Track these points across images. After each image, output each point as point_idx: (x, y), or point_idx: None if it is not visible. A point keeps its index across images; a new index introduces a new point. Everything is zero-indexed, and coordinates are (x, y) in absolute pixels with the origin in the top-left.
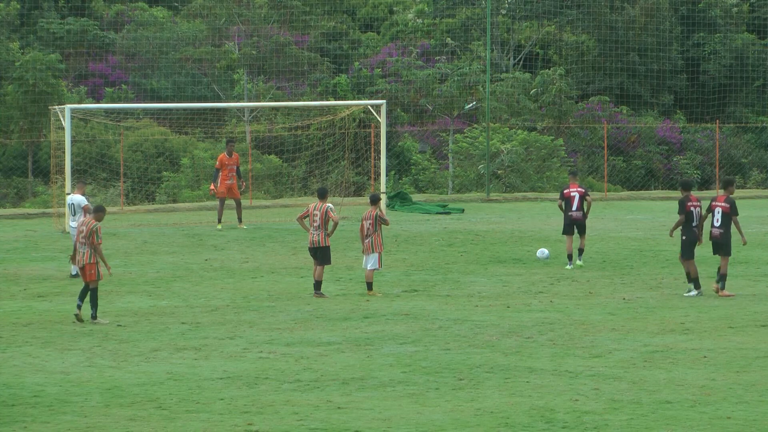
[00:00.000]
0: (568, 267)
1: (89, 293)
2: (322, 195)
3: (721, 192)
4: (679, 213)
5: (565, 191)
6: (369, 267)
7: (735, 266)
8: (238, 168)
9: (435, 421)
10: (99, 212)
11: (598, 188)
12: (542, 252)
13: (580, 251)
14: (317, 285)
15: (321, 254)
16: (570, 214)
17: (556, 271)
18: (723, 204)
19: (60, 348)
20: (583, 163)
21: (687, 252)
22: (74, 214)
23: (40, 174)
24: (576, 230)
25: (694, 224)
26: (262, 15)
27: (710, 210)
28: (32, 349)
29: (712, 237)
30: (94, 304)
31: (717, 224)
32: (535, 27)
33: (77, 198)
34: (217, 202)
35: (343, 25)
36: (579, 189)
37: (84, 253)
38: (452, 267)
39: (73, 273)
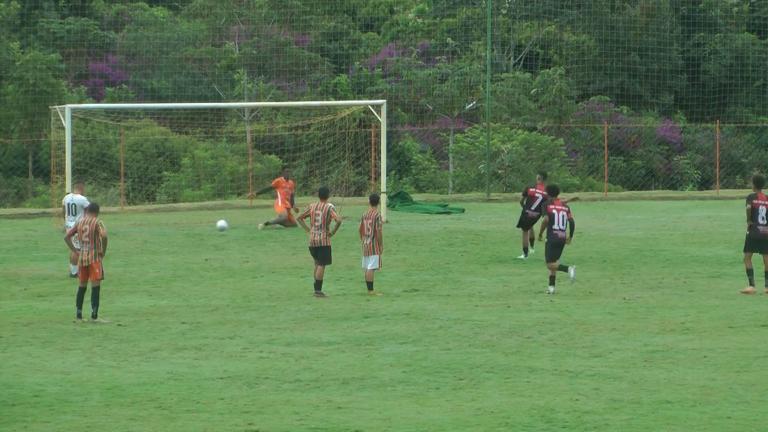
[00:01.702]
0: (522, 257)
1: (92, 292)
2: (324, 195)
3: (755, 191)
4: (542, 214)
5: (530, 190)
6: (369, 267)
7: (735, 266)
8: (292, 195)
9: (435, 420)
10: (95, 210)
11: (599, 188)
12: (221, 225)
13: (532, 240)
14: (318, 285)
15: (322, 254)
16: (527, 212)
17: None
18: (767, 201)
19: (60, 348)
20: (583, 163)
21: (550, 254)
22: (74, 214)
23: (40, 174)
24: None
25: (555, 227)
26: (262, 15)
27: (755, 209)
28: (32, 349)
29: (760, 234)
30: (96, 303)
31: (764, 222)
32: (536, 27)
33: (78, 198)
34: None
35: (343, 25)
36: (543, 193)
37: (88, 252)
38: (452, 267)
39: (74, 273)
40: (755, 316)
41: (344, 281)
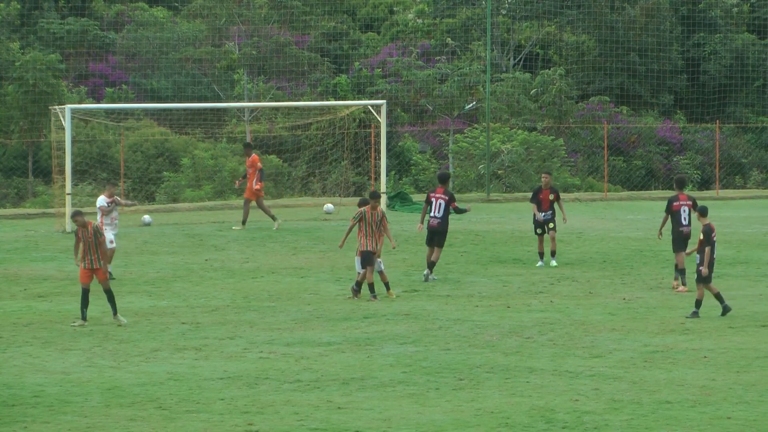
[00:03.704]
0: (428, 277)
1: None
2: (372, 198)
3: (677, 192)
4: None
5: (431, 195)
6: (381, 268)
7: (735, 266)
8: (255, 170)
9: (435, 421)
10: (79, 216)
11: (599, 188)
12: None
13: (432, 264)
14: (358, 285)
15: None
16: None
17: (556, 272)
18: (687, 201)
19: (60, 348)
20: (583, 163)
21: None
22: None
23: (40, 174)
24: (435, 239)
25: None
26: (262, 15)
27: (674, 210)
28: (33, 349)
29: (684, 235)
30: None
31: (686, 222)
32: (535, 27)
33: (98, 199)
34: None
35: (343, 26)
36: (444, 196)
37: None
38: (452, 267)
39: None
40: (755, 316)
41: (344, 281)
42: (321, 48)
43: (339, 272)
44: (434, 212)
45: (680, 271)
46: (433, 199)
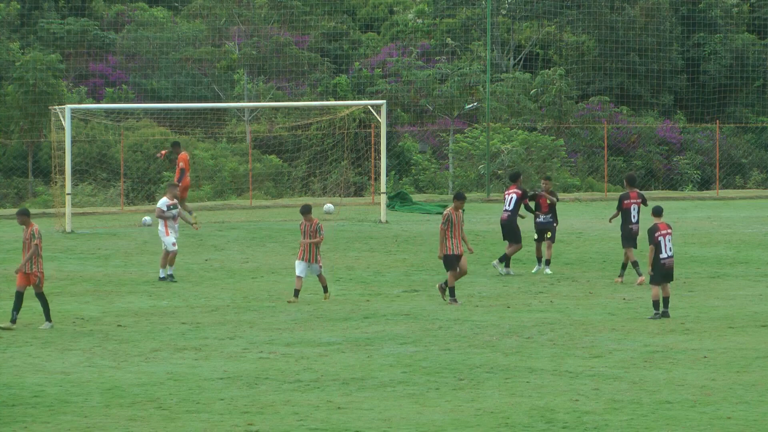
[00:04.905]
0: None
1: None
2: (456, 198)
3: (628, 190)
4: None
5: (506, 192)
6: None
7: (735, 266)
8: (180, 168)
9: (435, 421)
10: (20, 215)
11: (599, 188)
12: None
13: (506, 258)
14: (451, 291)
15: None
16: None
17: (556, 272)
18: (637, 200)
19: (60, 348)
20: (583, 163)
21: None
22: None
23: (40, 174)
24: (503, 233)
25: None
26: (262, 15)
27: (625, 208)
28: (32, 349)
29: (633, 233)
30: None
31: (635, 220)
32: (535, 27)
33: (160, 201)
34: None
35: (343, 26)
36: (516, 190)
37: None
38: None
39: (162, 276)
40: (755, 316)
41: (344, 281)
42: (321, 48)
43: (339, 272)
44: (505, 206)
45: (633, 263)
46: (507, 195)
